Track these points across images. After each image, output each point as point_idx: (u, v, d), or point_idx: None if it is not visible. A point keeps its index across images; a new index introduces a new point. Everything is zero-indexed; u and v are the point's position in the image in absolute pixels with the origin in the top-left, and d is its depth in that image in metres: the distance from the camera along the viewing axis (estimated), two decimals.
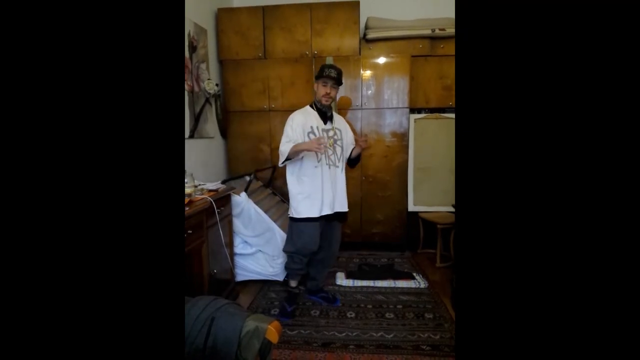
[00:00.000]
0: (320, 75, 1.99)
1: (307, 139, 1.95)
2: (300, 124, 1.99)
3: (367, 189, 3.12)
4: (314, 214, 2.02)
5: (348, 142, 2.16)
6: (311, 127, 2.00)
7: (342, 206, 2.13)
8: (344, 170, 2.15)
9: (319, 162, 2.00)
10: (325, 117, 2.05)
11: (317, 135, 1.98)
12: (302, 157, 1.99)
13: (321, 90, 1.99)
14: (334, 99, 2.06)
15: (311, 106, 2.09)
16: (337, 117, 2.16)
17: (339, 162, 2.09)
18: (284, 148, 1.93)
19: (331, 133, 2.06)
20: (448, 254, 2.91)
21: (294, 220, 2.09)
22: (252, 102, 3.12)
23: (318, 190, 2.01)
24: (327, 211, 2.05)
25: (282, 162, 1.98)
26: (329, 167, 2.04)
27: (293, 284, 2.24)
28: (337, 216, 2.13)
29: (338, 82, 2.00)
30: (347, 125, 2.21)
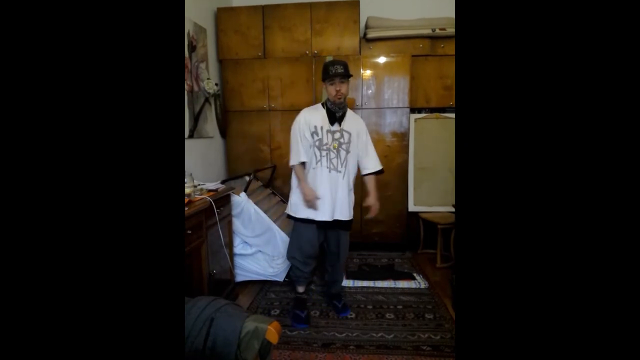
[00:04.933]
0: (326, 76, 1.88)
1: (311, 140, 1.94)
2: (306, 122, 1.95)
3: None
4: (308, 215, 1.98)
5: (360, 147, 2.00)
6: (315, 127, 1.93)
7: (342, 214, 1.99)
8: (348, 178, 1.98)
9: (317, 163, 1.95)
10: (334, 117, 1.94)
11: (320, 136, 1.92)
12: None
13: (330, 90, 1.89)
14: (345, 94, 1.91)
15: (323, 105, 1.99)
16: (351, 117, 2.00)
17: (341, 166, 1.94)
18: (294, 160, 1.97)
19: (337, 135, 1.93)
20: (448, 254, 2.90)
21: (291, 218, 2.08)
22: (251, 102, 3.11)
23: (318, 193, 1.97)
24: (324, 217, 1.96)
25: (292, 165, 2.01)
26: (329, 171, 1.94)
27: (300, 289, 2.18)
28: (338, 224, 2.01)
29: (346, 75, 1.87)
30: (363, 127, 2.02)
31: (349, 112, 2.01)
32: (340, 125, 1.95)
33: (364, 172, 2.06)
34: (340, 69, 1.86)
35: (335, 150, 1.94)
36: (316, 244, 2.05)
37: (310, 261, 2.09)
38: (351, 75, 1.91)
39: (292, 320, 2.03)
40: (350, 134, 1.96)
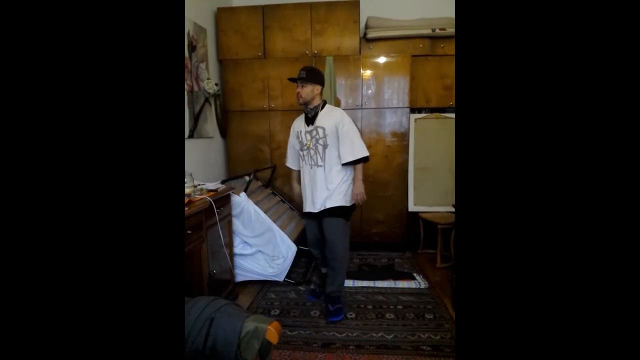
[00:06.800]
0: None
1: (298, 145, 2.19)
2: (293, 129, 2.22)
3: (367, 189, 3.05)
4: (304, 209, 2.23)
5: (333, 137, 2.03)
6: (297, 132, 2.17)
7: (328, 204, 2.06)
8: (328, 169, 2.05)
9: (302, 162, 2.17)
10: (309, 118, 2.11)
11: (300, 138, 2.15)
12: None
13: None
14: (305, 97, 2.01)
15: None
16: (325, 114, 2.07)
17: (321, 161, 2.06)
18: (287, 161, 2.34)
19: (313, 133, 2.09)
20: (448, 254, 2.90)
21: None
22: (251, 102, 3.11)
23: (304, 189, 2.20)
24: (311, 209, 2.14)
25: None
26: (311, 167, 2.12)
27: (323, 270, 2.40)
28: (325, 212, 2.09)
29: (307, 79, 1.99)
30: (339, 119, 2.03)
31: (325, 109, 2.10)
32: (313, 124, 2.09)
33: (342, 162, 2.05)
34: (302, 74, 2.01)
35: (313, 147, 2.09)
36: (316, 233, 2.24)
37: (316, 247, 2.32)
38: (313, 80, 2.00)
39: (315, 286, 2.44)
40: (324, 129, 2.06)
